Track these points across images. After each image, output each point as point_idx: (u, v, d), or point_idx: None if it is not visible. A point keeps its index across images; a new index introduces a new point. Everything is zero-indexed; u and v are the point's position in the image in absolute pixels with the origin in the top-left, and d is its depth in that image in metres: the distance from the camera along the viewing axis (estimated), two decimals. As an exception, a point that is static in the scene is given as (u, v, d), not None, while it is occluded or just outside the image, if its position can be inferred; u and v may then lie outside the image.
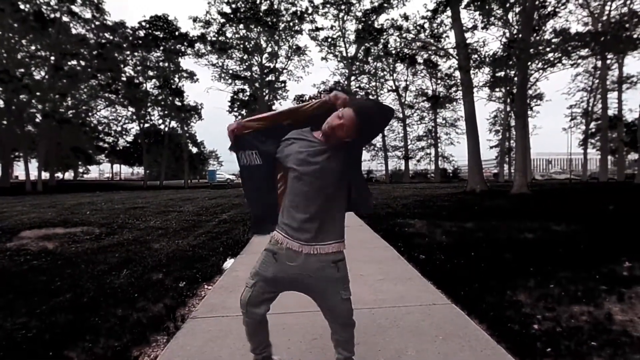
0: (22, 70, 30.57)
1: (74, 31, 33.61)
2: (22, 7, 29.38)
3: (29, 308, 3.28)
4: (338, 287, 1.76)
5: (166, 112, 41.23)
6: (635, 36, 18.30)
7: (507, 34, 18.77)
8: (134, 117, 41.31)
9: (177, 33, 37.56)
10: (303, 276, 1.75)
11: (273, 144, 1.85)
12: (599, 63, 33.09)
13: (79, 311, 3.19)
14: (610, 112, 35.92)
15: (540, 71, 18.61)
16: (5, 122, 31.87)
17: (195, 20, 35.93)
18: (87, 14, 33.63)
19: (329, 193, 1.70)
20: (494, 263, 4.50)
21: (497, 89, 21.94)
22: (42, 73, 32.22)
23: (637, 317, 2.85)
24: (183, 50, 38.30)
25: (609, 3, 27.01)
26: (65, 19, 32.29)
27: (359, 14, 37.05)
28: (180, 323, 2.90)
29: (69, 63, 33.09)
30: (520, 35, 16.47)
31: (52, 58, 31.19)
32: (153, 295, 3.59)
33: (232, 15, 34.96)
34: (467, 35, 19.00)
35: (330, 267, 1.73)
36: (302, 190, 1.70)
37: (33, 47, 31.65)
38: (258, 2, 35.19)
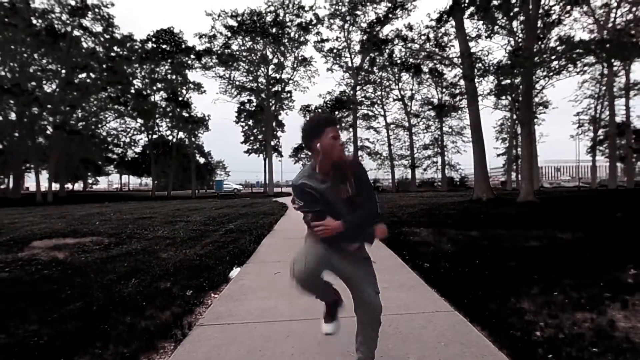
0: (34, 83, 31.29)
1: (84, 45, 34.42)
2: (34, 22, 30.17)
3: (40, 316, 3.36)
4: (371, 280, 2.00)
5: (174, 123, 41.79)
6: (640, 43, 18.28)
7: (512, 43, 18.88)
8: (143, 128, 41.98)
9: (183, 46, 38.19)
10: (342, 259, 2.00)
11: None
12: (606, 70, 32.97)
13: (88, 319, 3.27)
14: (618, 119, 35.75)
15: (546, 79, 18.62)
16: (17, 135, 32.52)
17: (200, 37, 36.42)
18: (98, 28, 34.46)
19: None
20: (498, 271, 4.51)
21: (503, 97, 21.95)
22: (53, 86, 32.98)
23: (639, 323, 2.86)
24: (190, 63, 38.89)
25: (614, 10, 27.04)
26: (76, 33, 33.07)
27: (364, 25, 37.42)
28: (188, 330, 2.96)
29: (80, 76, 33.81)
30: (525, 44, 16.54)
31: (63, 71, 31.88)
32: (161, 304, 3.65)
33: (237, 28, 35.46)
34: (471, 44, 19.16)
35: (362, 262, 2.04)
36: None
37: (44, 61, 32.40)
38: (264, 13, 35.69)
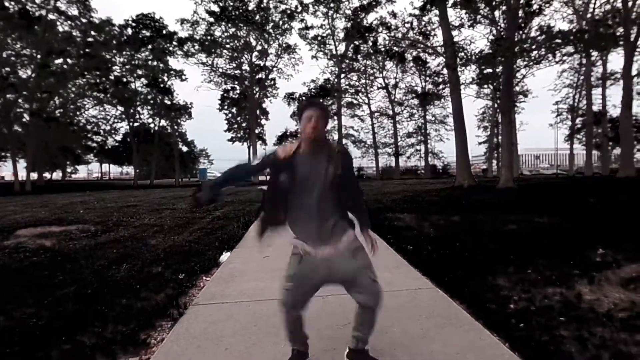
0: (8, 69, 30.20)
1: (60, 29, 33.28)
2: (7, 4, 28.99)
3: (36, 300, 3.43)
4: (366, 271, 1.94)
5: (156, 110, 41.04)
6: (617, 33, 18.83)
7: (494, 32, 19.16)
8: (123, 116, 41.12)
9: (164, 32, 37.28)
10: (331, 270, 1.92)
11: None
12: (584, 60, 33.74)
13: (85, 301, 3.36)
14: (595, 108, 36.76)
15: (526, 68, 19.02)
16: (-9, 122, 31.51)
17: (182, 22, 35.60)
18: (74, 11, 33.32)
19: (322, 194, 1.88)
20: (478, 252, 4.76)
21: (485, 86, 22.34)
22: (29, 72, 31.88)
23: (604, 296, 3.12)
24: (172, 50, 38.03)
25: (592, 1, 27.64)
26: (51, 16, 31.92)
27: (348, 12, 37.24)
28: (183, 310, 3.09)
29: (56, 61, 32.75)
30: (506, 33, 16.84)
31: (39, 56, 30.83)
32: (154, 286, 3.76)
33: (220, 14, 34.81)
34: (454, 33, 19.35)
35: (350, 258, 1.93)
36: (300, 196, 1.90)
37: (18, 46, 31.24)
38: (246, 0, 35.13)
